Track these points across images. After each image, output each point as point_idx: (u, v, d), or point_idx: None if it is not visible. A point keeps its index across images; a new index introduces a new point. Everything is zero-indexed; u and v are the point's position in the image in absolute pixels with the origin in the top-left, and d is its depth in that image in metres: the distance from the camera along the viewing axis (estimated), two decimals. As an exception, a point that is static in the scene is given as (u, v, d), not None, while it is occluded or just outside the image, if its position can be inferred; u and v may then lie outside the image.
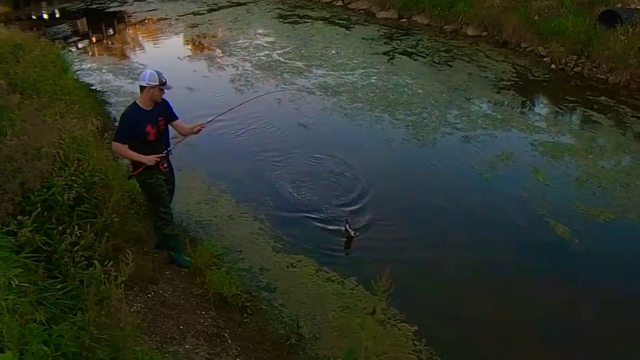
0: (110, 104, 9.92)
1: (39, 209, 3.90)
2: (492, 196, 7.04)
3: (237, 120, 8.97)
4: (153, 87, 4.59)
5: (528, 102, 10.72)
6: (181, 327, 4.38)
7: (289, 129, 8.96)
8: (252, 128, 8.87)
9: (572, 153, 8.21)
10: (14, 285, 3.04)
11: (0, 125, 5.03)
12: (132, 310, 4.30)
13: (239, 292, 4.76)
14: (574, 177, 7.51)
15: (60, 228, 4.05)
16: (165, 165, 4.89)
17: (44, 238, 3.97)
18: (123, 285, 4.00)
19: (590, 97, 10.74)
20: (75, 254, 3.90)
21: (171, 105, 4.94)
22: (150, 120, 4.67)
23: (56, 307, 3.40)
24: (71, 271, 3.85)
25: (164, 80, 4.65)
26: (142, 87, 4.64)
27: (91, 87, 10.84)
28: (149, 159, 4.63)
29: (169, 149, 4.89)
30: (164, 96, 4.81)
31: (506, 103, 10.29)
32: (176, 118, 4.96)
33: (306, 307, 4.86)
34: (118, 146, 4.67)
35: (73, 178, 4.31)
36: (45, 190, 4.20)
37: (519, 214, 6.61)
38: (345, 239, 5.91)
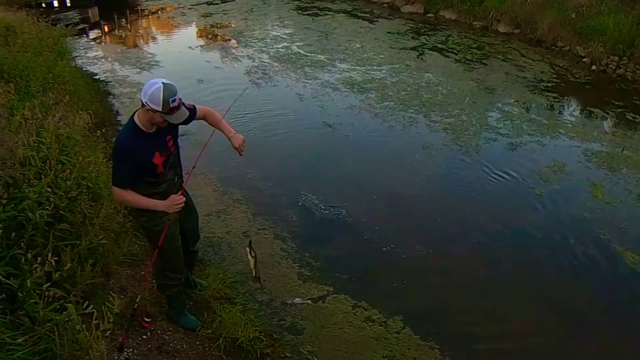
0: (114, 95, 8.96)
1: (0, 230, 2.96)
2: (550, 216, 6.01)
3: (253, 117, 8.10)
4: (154, 111, 3.03)
5: (573, 106, 9.78)
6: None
7: (313, 129, 7.95)
8: (271, 126, 7.84)
9: (630, 165, 7.36)
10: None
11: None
12: (121, 359, 3.41)
13: (257, 335, 3.80)
14: (635, 193, 6.63)
15: (30, 255, 3.10)
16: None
17: (9, 269, 3.05)
18: (108, 332, 3.11)
19: (638, 103, 9.88)
20: (48, 290, 2.97)
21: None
22: (157, 146, 3.20)
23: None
24: (40, 315, 2.92)
25: (171, 105, 2.99)
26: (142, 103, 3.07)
27: (94, 77, 9.92)
28: (168, 205, 3.23)
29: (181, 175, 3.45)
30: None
31: (550, 106, 9.32)
32: (195, 113, 3.36)
33: (341, 357, 3.89)
34: (120, 194, 3.19)
35: (49, 189, 3.34)
36: (13, 204, 3.24)
37: (582, 238, 5.66)
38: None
